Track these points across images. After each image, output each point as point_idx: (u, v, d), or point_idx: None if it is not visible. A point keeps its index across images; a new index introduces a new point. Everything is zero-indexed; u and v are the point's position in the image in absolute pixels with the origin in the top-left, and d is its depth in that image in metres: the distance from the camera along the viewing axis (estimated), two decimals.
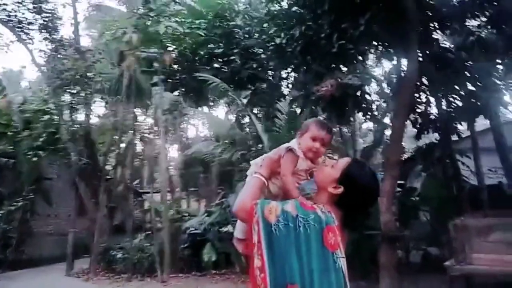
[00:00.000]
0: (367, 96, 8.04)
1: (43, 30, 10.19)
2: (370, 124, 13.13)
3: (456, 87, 7.74)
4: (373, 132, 11.88)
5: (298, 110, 8.34)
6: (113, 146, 10.73)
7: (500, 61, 7.19)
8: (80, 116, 11.26)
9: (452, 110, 8.32)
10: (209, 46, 8.98)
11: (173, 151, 17.84)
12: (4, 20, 10.03)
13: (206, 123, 15.81)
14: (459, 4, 6.34)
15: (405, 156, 9.99)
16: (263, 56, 9.00)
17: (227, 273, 8.11)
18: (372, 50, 8.07)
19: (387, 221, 5.44)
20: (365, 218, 1.77)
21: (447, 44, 7.39)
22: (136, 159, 14.07)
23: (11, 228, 10.09)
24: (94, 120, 12.58)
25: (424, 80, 7.75)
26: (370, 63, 9.25)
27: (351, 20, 6.05)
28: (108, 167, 11.05)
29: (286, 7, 7.42)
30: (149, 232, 9.31)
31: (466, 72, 7.36)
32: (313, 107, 7.40)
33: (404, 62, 6.91)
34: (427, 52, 6.89)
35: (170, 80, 9.82)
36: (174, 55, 9.22)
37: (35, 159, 10.11)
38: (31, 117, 10.55)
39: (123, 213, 10.16)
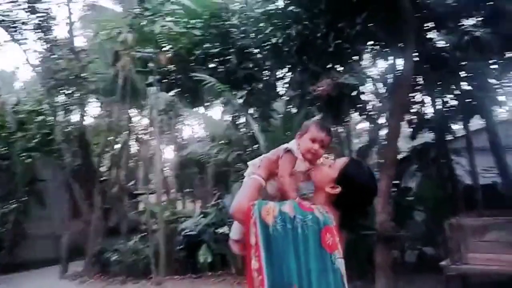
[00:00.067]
0: (362, 96, 8.07)
1: (37, 30, 10.10)
2: (364, 124, 13.19)
3: (451, 86, 7.79)
4: (368, 132, 11.92)
5: (295, 110, 8.32)
6: (107, 147, 10.66)
7: (495, 61, 7.24)
8: (75, 117, 11.19)
9: (447, 109, 8.37)
10: (204, 45, 8.94)
11: (169, 152, 17.80)
12: None
13: (202, 124, 15.79)
14: (454, 3, 6.36)
15: (400, 156, 10.03)
16: (259, 55, 8.98)
17: (223, 275, 8.07)
18: (369, 50, 8.08)
19: (383, 221, 5.45)
20: (363, 218, 1.76)
21: (442, 43, 7.42)
22: (131, 160, 14.03)
23: (4, 231, 9.99)
24: (88, 120, 12.51)
25: (420, 80, 7.79)
26: (366, 62, 9.25)
27: (348, 20, 6.07)
28: (102, 168, 10.97)
29: (282, 6, 7.42)
30: (144, 233, 9.25)
31: (461, 72, 7.41)
32: (309, 107, 7.40)
33: (399, 61, 6.92)
34: (422, 51, 6.91)
35: (166, 80, 9.77)
36: (170, 55, 9.18)
37: (29, 160, 10.03)
38: (25, 118, 10.45)
39: (117, 215, 10.07)
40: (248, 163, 1.75)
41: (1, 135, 10.50)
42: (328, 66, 7.18)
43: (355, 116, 9.97)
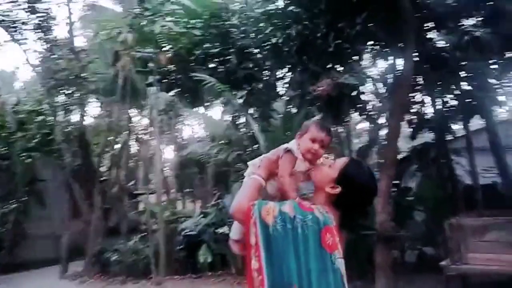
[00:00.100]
0: (362, 96, 8.07)
1: (37, 30, 10.10)
2: (364, 124, 13.19)
3: (451, 86, 7.79)
4: (368, 132, 11.92)
5: (295, 110, 8.32)
6: (107, 147, 10.66)
7: (495, 61, 7.23)
8: (75, 117, 11.19)
9: (447, 109, 8.37)
10: (204, 45, 8.93)
11: (169, 152, 17.79)
12: None
13: (202, 124, 15.78)
14: (454, 3, 6.36)
15: (400, 156, 10.03)
16: (259, 55, 8.98)
17: (223, 275, 8.07)
18: (369, 50, 8.08)
19: (383, 221, 5.44)
20: (363, 218, 1.76)
21: (442, 43, 7.42)
22: (131, 160, 14.02)
23: (4, 231, 9.98)
24: (88, 120, 12.51)
25: (420, 80, 7.78)
26: (366, 62, 9.25)
27: (348, 20, 6.07)
28: (102, 168, 10.97)
29: (282, 6, 7.41)
30: (144, 233, 9.24)
31: (461, 72, 7.40)
32: (309, 107, 7.40)
33: (399, 61, 6.92)
34: (422, 51, 6.91)
35: (166, 80, 9.77)
36: (170, 55, 9.18)
37: (29, 160, 10.02)
38: (25, 118, 10.44)
39: (117, 215, 10.07)
40: (248, 163, 1.74)
41: (1, 135, 10.50)
42: (328, 66, 7.18)
43: (355, 116, 9.97)
